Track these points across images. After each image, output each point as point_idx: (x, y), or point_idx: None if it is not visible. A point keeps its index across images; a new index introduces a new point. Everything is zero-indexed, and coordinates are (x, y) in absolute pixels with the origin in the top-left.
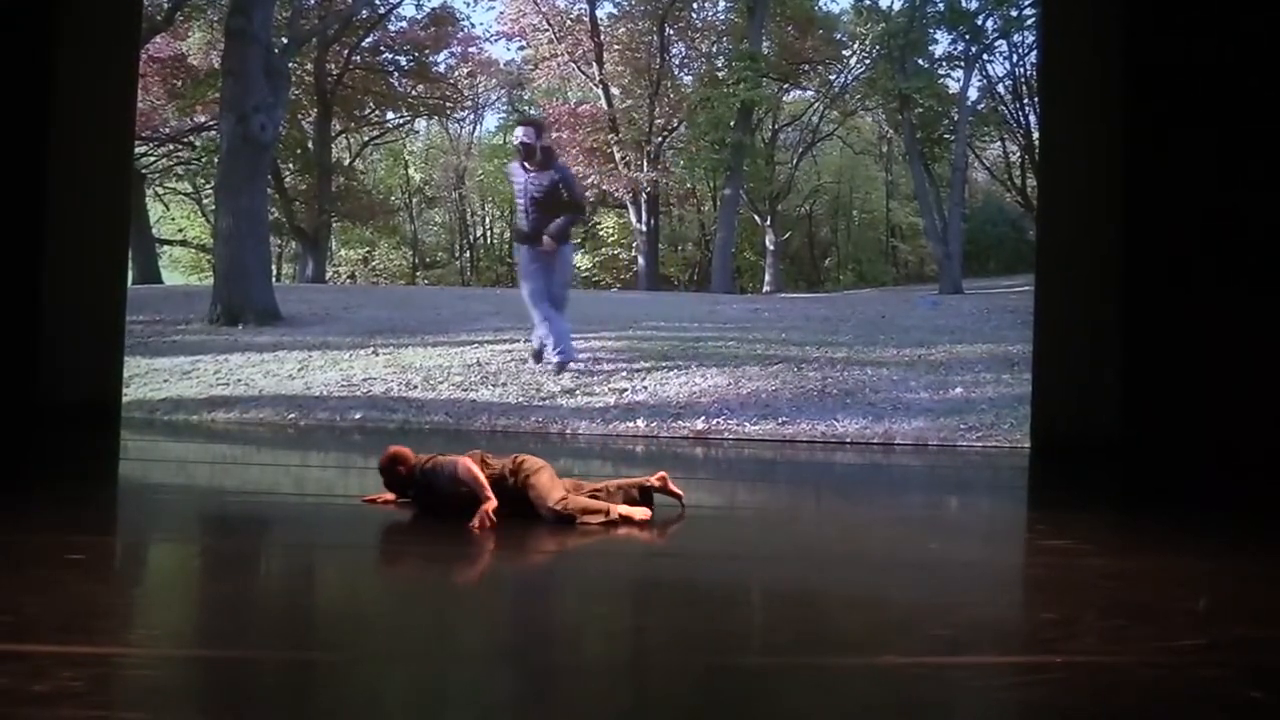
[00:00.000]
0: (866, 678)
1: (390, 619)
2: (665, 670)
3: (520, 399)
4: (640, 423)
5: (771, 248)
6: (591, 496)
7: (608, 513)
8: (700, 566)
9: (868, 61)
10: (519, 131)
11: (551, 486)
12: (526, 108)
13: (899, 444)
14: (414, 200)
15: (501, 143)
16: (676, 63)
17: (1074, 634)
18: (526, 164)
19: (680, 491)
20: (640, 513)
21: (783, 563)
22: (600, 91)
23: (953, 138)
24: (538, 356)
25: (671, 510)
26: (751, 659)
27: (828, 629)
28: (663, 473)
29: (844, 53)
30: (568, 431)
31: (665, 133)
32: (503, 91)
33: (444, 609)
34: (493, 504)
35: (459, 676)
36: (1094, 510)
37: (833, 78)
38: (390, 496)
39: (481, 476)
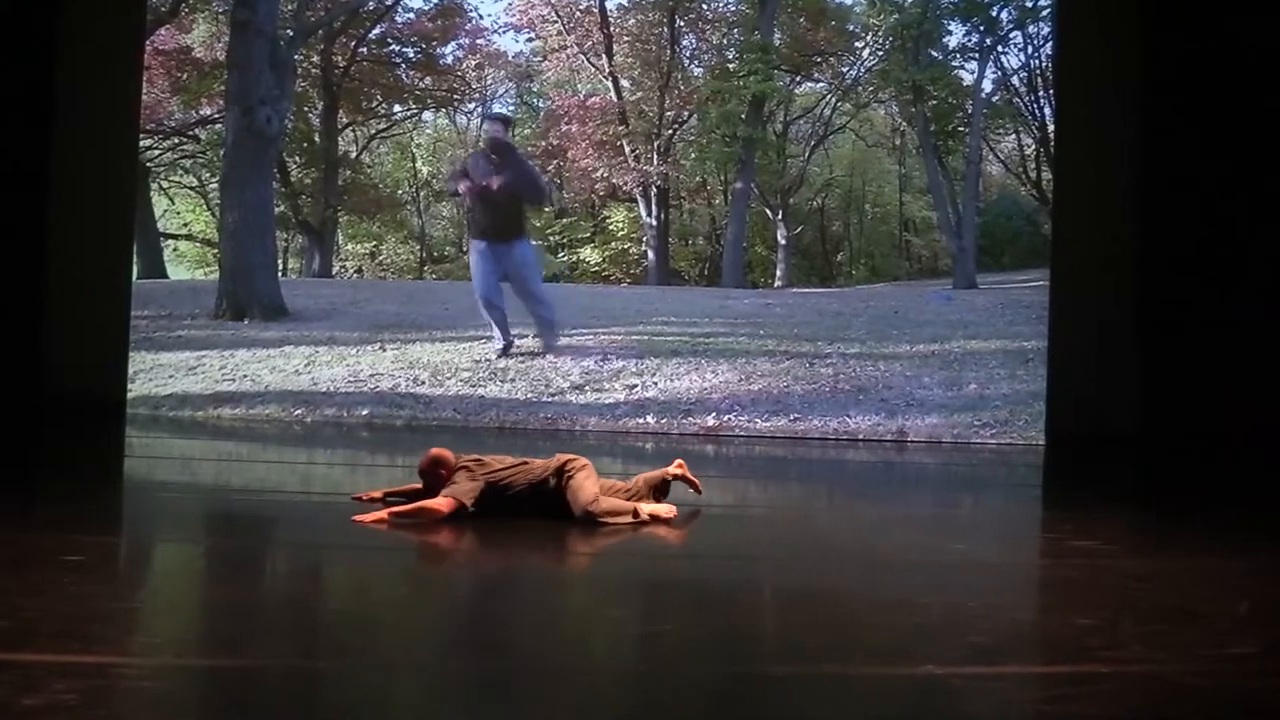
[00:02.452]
0: (904, 688)
1: (399, 624)
2: (685, 678)
3: (529, 395)
4: (650, 419)
5: (783, 242)
6: (624, 496)
7: (635, 514)
8: (719, 568)
9: (880, 53)
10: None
11: (585, 487)
12: (535, 100)
13: (912, 440)
14: (421, 194)
15: (510, 136)
16: (687, 55)
17: (1115, 640)
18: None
19: (696, 480)
20: (666, 510)
21: (803, 564)
22: (610, 84)
23: (967, 130)
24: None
25: (687, 506)
26: (777, 667)
27: (857, 635)
28: (680, 460)
29: (856, 44)
30: (577, 428)
31: (675, 125)
32: (511, 84)
33: (455, 612)
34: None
35: (470, 684)
36: (1116, 508)
37: (845, 70)
38: (382, 516)
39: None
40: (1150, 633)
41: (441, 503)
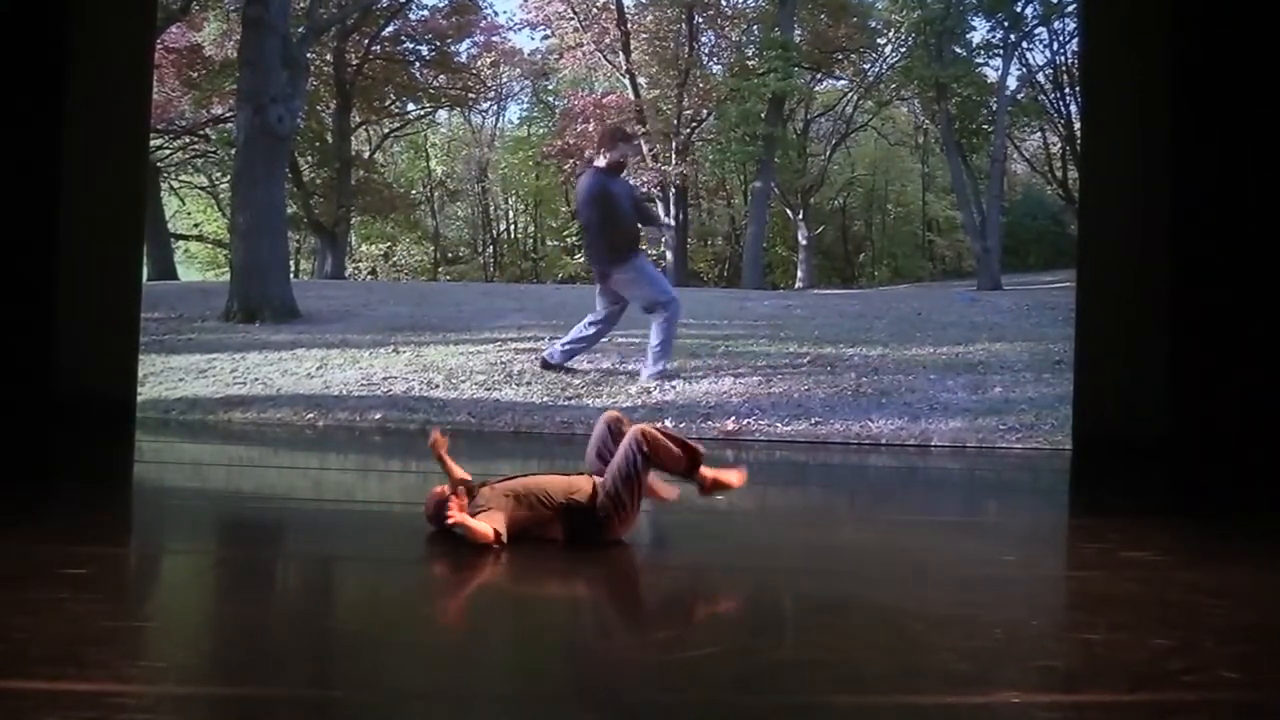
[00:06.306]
0: None
1: (421, 648)
2: (736, 710)
3: (545, 399)
4: (668, 423)
5: (804, 242)
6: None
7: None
8: (756, 582)
9: (903, 50)
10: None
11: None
12: (551, 98)
13: (936, 445)
14: (436, 194)
15: (525, 135)
16: (705, 52)
17: (1199, 664)
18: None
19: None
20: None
21: (844, 576)
22: (627, 81)
23: (991, 128)
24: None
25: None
26: (839, 696)
27: (922, 658)
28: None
29: (878, 40)
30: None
31: (694, 124)
32: (527, 82)
33: (479, 632)
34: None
35: (494, 713)
36: (1158, 516)
37: (867, 66)
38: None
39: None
40: (1233, 655)
41: (488, 531)
